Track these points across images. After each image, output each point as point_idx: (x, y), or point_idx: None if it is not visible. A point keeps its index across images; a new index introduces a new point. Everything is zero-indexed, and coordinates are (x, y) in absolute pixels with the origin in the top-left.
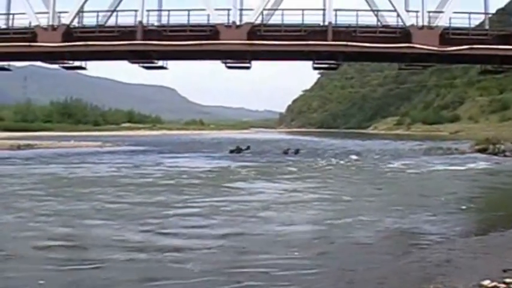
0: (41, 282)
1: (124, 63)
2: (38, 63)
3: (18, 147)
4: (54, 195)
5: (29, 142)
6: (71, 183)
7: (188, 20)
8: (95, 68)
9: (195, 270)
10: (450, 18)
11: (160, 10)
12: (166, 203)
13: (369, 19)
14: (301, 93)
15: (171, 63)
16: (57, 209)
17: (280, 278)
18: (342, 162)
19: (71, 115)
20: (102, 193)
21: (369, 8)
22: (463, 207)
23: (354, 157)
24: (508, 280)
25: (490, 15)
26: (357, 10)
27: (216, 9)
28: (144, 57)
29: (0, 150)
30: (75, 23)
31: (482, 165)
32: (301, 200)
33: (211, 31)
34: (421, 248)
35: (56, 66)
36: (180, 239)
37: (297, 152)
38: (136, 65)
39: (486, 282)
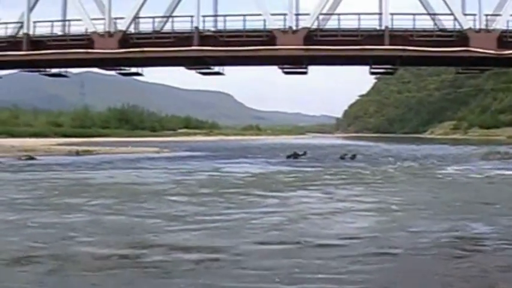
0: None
1: (180, 69)
2: (95, 69)
3: (77, 153)
4: (116, 200)
5: (87, 148)
6: (132, 188)
7: (244, 25)
8: (151, 74)
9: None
10: (508, 21)
11: (216, 16)
12: (228, 207)
13: (425, 23)
14: (358, 98)
15: (227, 69)
16: (122, 213)
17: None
18: (398, 167)
19: (128, 121)
20: (163, 199)
21: (425, 12)
22: None
23: (410, 162)
24: None
25: None
26: (414, 14)
27: (272, 14)
28: (201, 63)
29: (58, 156)
30: (131, 29)
31: None
32: (359, 206)
33: (268, 36)
34: (483, 254)
35: (112, 72)
36: (235, 242)
37: (353, 157)
38: (193, 71)
39: None
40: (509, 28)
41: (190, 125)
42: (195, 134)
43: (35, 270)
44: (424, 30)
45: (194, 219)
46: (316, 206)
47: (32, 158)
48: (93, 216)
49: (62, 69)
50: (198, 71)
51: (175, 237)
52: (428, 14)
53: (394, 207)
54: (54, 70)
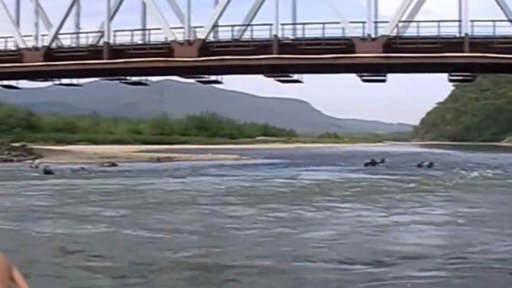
0: None
1: (258, 77)
2: (174, 77)
3: (158, 160)
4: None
5: (167, 155)
6: (218, 193)
7: (323, 33)
8: (229, 81)
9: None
10: None
11: (295, 24)
12: (305, 216)
13: (506, 30)
14: (435, 105)
15: (305, 76)
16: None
17: None
18: (475, 176)
19: (207, 128)
20: (249, 204)
21: (506, 18)
22: None
23: (487, 171)
24: None
25: None
26: (494, 20)
27: (351, 22)
28: (280, 71)
29: (140, 162)
30: (211, 38)
31: None
32: (437, 214)
33: (346, 44)
34: None
35: (191, 80)
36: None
37: (430, 165)
38: (271, 79)
39: None
40: None
41: (269, 132)
42: (273, 141)
43: None
44: (505, 37)
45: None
46: (392, 218)
47: (114, 165)
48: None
49: (142, 78)
50: (277, 78)
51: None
52: (509, 20)
53: (472, 216)
54: (134, 78)
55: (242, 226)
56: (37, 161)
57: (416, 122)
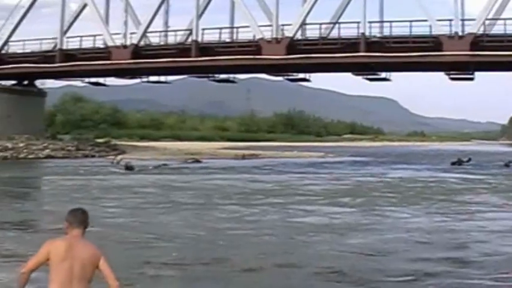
0: None
1: (345, 74)
2: (261, 75)
3: (243, 157)
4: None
5: (253, 152)
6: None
7: (410, 31)
8: (317, 79)
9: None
10: None
11: (382, 21)
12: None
13: None
14: None
15: (393, 74)
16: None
17: None
18: None
19: (294, 126)
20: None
21: None
22: None
23: None
24: None
25: None
26: None
27: (438, 20)
28: (367, 69)
29: (224, 159)
30: (299, 36)
31: None
32: None
33: (434, 42)
34: None
35: (278, 78)
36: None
37: None
38: (359, 77)
39: None
40: None
41: (356, 130)
42: (360, 139)
43: None
44: None
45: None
46: (481, 215)
47: (198, 161)
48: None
49: (230, 75)
50: (365, 77)
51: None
52: None
53: None
54: (222, 76)
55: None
56: (119, 156)
57: (505, 121)
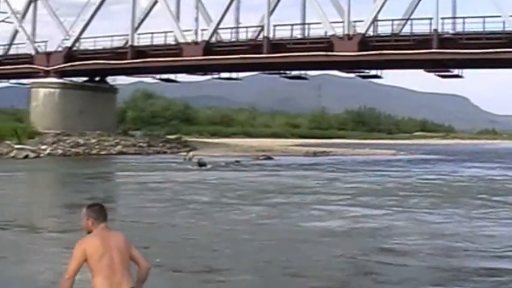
0: None
1: (416, 71)
2: (332, 71)
3: (314, 154)
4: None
5: (324, 149)
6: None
7: (483, 27)
8: (387, 76)
9: None
10: None
11: (455, 18)
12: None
13: None
14: None
15: (464, 71)
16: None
17: None
18: None
19: (365, 123)
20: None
21: None
22: None
23: None
24: None
25: None
26: None
27: None
28: (440, 66)
29: (295, 156)
30: (370, 32)
31: None
32: None
33: (507, 39)
34: None
35: (349, 74)
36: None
37: None
38: (431, 74)
39: None
40: None
41: (427, 128)
42: (431, 137)
43: None
44: None
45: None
46: None
47: (269, 158)
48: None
49: (302, 72)
50: (437, 74)
51: None
52: None
53: None
54: (293, 72)
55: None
56: (191, 153)
57: None
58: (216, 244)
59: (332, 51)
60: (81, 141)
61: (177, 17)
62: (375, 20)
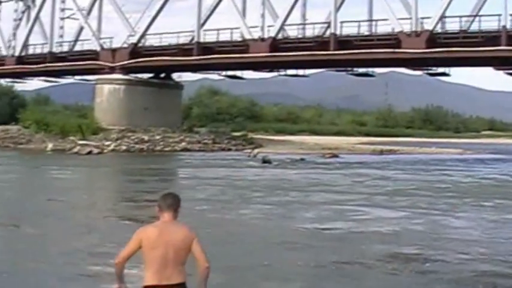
0: None
1: (484, 69)
2: (398, 69)
3: (381, 152)
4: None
5: (391, 147)
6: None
7: None
8: (454, 74)
9: None
10: None
11: None
12: None
13: None
14: None
15: None
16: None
17: None
18: None
19: (432, 122)
20: None
21: None
22: None
23: None
24: None
25: None
26: None
27: None
28: (508, 64)
29: (364, 154)
30: (438, 29)
31: None
32: None
33: None
34: None
35: (416, 72)
36: None
37: None
38: (500, 72)
39: None
40: None
41: (495, 127)
42: (499, 136)
43: None
44: None
45: None
46: None
47: (335, 156)
48: None
49: (369, 69)
50: (506, 71)
51: None
52: None
53: None
54: (360, 70)
55: None
56: (255, 150)
57: None
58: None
59: (399, 48)
60: (146, 137)
61: (243, 14)
62: (442, 16)
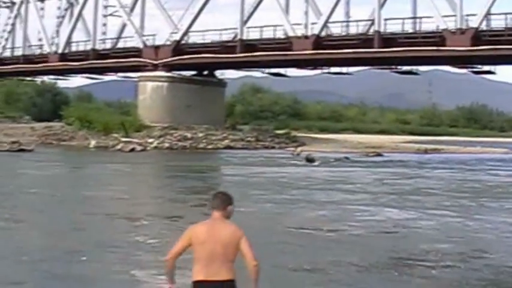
0: None
1: None
2: (443, 67)
3: (425, 151)
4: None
5: (435, 146)
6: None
7: None
8: (499, 72)
9: None
10: None
11: None
12: None
13: None
14: None
15: None
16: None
17: None
18: None
19: (477, 120)
20: None
21: None
22: None
23: None
24: None
25: None
26: None
27: None
28: None
29: (408, 153)
30: (483, 26)
31: None
32: None
33: None
34: None
35: (460, 70)
36: None
37: None
38: None
39: None
40: None
41: None
42: None
43: None
44: None
45: None
46: None
47: (379, 155)
48: None
49: (413, 67)
50: None
51: None
52: None
53: None
54: (404, 67)
55: None
56: (299, 148)
57: None
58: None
59: (444, 46)
60: (189, 135)
61: (286, 11)
62: (488, 13)
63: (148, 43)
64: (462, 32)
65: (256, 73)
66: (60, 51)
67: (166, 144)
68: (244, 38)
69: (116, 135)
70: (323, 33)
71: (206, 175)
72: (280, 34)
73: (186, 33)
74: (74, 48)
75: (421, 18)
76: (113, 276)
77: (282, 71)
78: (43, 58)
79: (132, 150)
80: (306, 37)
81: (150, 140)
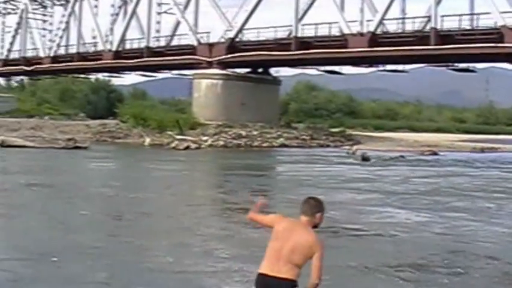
0: None
1: None
2: (500, 64)
3: (482, 150)
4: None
5: (492, 145)
6: None
7: None
8: None
9: None
10: None
11: None
12: None
13: None
14: None
15: None
16: None
17: None
18: None
19: None
20: None
21: None
22: None
23: None
24: None
25: None
26: None
27: None
28: None
29: (463, 152)
30: None
31: None
32: None
33: None
34: None
35: None
36: None
37: None
38: None
39: None
40: None
41: None
42: None
43: None
44: None
45: None
46: None
47: (435, 154)
48: None
49: (470, 64)
50: None
51: None
52: None
53: None
54: (461, 65)
55: None
56: (354, 147)
57: None
58: None
59: (502, 42)
60: (243, 133)
61: (342, 8)
62: None
63: (203, 41)
64: None
65: (311, 71)
66: (114, 48)
67: (221, 142)
68: (299, 35)
69: (170, 133)
70: (379, 31)
71: (265, 173)
72: (335, 31)
73: (240, 30)
74: (128, 46)
75: (478, 14)
76: None
77: (337, 68)
78: (97, 56)
79: (187, 148)
80: (362, 34)
81: (205, 138)
